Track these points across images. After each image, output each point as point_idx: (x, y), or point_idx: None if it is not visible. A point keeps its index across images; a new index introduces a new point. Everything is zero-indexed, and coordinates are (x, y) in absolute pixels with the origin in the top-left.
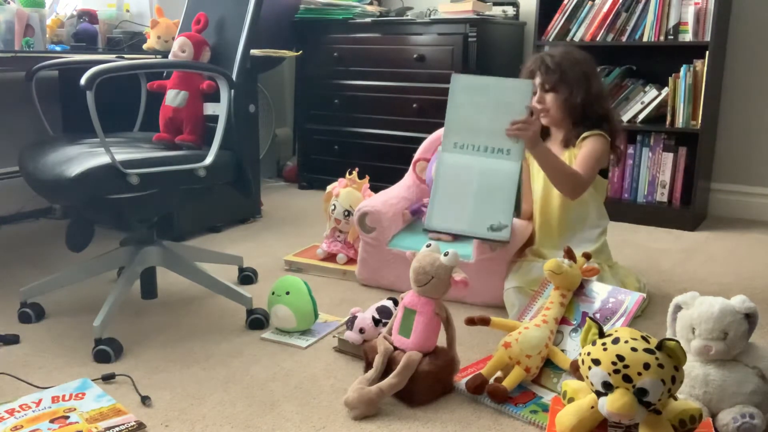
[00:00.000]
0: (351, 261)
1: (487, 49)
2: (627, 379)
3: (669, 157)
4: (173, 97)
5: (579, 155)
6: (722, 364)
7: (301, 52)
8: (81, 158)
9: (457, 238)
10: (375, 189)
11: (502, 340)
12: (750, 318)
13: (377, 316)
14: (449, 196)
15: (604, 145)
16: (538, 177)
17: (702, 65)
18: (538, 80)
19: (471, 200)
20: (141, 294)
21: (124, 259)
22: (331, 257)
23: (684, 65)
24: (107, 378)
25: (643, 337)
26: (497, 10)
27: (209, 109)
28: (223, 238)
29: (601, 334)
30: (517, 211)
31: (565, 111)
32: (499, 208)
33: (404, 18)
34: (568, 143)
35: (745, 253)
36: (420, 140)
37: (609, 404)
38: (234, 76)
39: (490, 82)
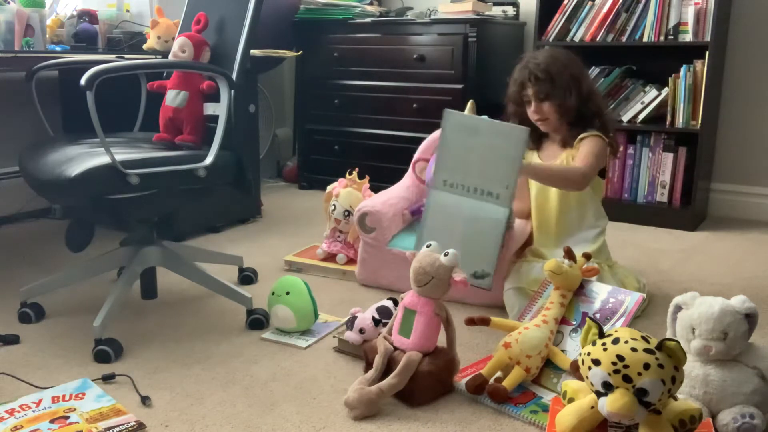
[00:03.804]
0: (351, 261)
1: (487, 49)
2: (627, 379)
3: (669, 157)
4: (173, 98)
5: (579, 153)
6: (722, 364)
7: (301, 52)
8: (81, 158)
9: None
10: (375, 189)
11: (502, 340)
12: (750, 318)
13: (377, 316)
14: (435, 238)
15: (602, 144)
16: None
17: (702, 65)
18: (529, 91)
19: (456, 245)
20: (141, 294)
21: (124, 259)
22: (331, 257)
23: (684, 65)
24: (107, 378)
25: (643, 337)
26: (497, 10)
27: (209, 109)
28: (223, 238)
29: (601, 335)
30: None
31: (562, 116)
32: (483, 257)
33: (404, 18)
34: (566, 144)
35: (745, 253)
36: (420, 140)
37: (609, 404)
38: (234, 76)
39: (481, 125)
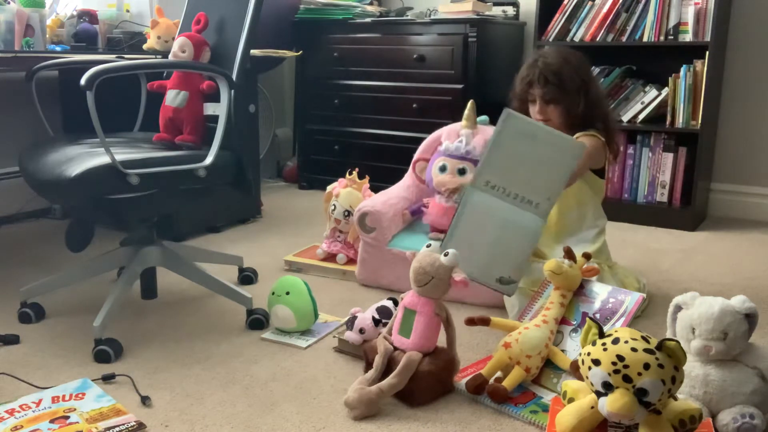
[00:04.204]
0: (351, 261)
1: (487, 49)
2: (627, 379)
3: (669, 157)
4: (173, 98)
5: None
6: (722, 364)
7: (301, 52)
8: (81, 158)
9: None
10: (375, 189)
11: (502, 340)
12: (750, 318)
13: (377, 316)
14: (468, 237)
15: (595, 143)
16: None
17: (702, 65)
18: (537, 91)
19: (487, 248)
20: (141, 294)
21: (124, 259)
22: (331, 257)
23: (684, 65)
24: (107, 378)
25: (643, 337)
26: (497, 10)
27: (209, 109)
28: (223, 238)
29: (601, 335)
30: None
31: (566, 120)
32: (512, 263)
33: (404, 18)
34: None
35: (745, 253)
36: (420, 140)
37: (609, 404)
38: (234, 76)
39: (540, 133)
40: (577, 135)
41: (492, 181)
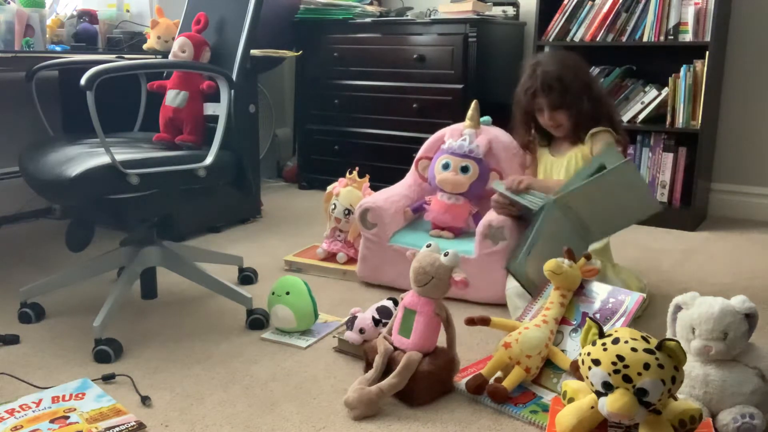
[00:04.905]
0: (351, 260)
1: (487, 49)
2: (627, 379)
3: (669, 157)
4: (173, 98)
5: (597, 151)
6: (722, 364)
7: (301, 52)
8: (81, 158)
9: (457, 236)
10: (375, 189)
11: (502, 340)
12: (750, 318)
13: (377, 316)
14: (543, 243)
15: (611, 141)
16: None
17: (702, 65)
18: (543, 100)
19: (543, 256)
20: (141, 294)
21: (124, 259)
22: (331, 257)
23: (684, 65)
24: (107, 378)
25: (643, 337)
26: (497, 10)
27: (209, 109)
28: (223, 238)
29: (601, 335)
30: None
31: (577, 121)
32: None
33: (404, 18)
34: (576, 140)
35: (745, 253)
36: (420, 140)
37: (609, 404)
38: (234, 76)
39: (638, 188)
40: (593, 131)
41: (572, 205)
